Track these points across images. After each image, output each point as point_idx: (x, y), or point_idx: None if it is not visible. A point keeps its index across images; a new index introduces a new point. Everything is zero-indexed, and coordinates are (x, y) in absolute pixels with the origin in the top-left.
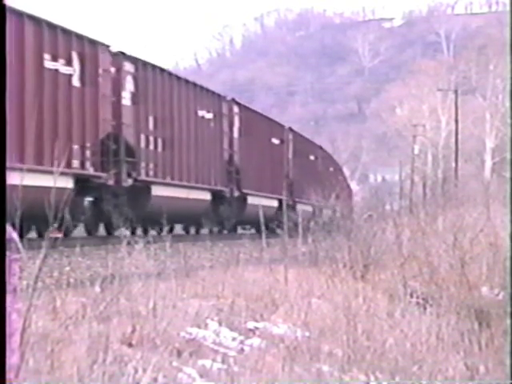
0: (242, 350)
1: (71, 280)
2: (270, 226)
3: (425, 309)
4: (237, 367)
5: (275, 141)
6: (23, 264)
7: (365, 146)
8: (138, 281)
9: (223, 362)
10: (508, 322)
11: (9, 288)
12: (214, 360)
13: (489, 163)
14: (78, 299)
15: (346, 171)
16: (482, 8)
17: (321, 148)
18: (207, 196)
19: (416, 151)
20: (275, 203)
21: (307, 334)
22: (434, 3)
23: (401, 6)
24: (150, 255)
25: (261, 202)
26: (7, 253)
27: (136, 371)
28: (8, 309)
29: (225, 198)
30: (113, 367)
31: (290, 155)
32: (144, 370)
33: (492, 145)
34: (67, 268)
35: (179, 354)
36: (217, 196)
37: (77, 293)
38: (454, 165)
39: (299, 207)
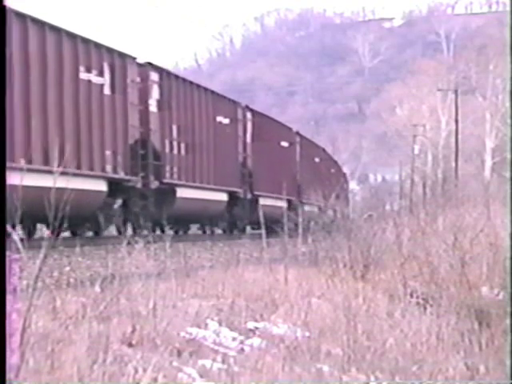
0: (242, 349)
1: (71, 280)
2: (277, 226)
3: (425, 309)
4: (237, 367)
5: (284, 144)
6: (23, 264)
7: (365, 145)
8: (138, 281)
9: (223, 362)
10: (508, 321)
11: (9, 288)
12: (214, 360)
13: (489, 163)
14: (78, 299)
15: (346, 171)
16: (482, 8)
17: (324, 150)
18: (224, 197)
19: (416, 151)
20: (284, 204)
21: (307, 333)
22: (434, 3)
23: (401, 6)
24: (149, 255)
25: (271, 203)
26: (7, 253)
27: (136, 371)
28: (8, 309)
29: (239, 199)
30: (113, 367)
31: (298, 158)
32: (144, 370)
33: (492, 145)
34: (67, 268)
35: (179, 353)
36: (232, 197)
37: (77, 293)
38: (454, 165)
39: (306, 208)
